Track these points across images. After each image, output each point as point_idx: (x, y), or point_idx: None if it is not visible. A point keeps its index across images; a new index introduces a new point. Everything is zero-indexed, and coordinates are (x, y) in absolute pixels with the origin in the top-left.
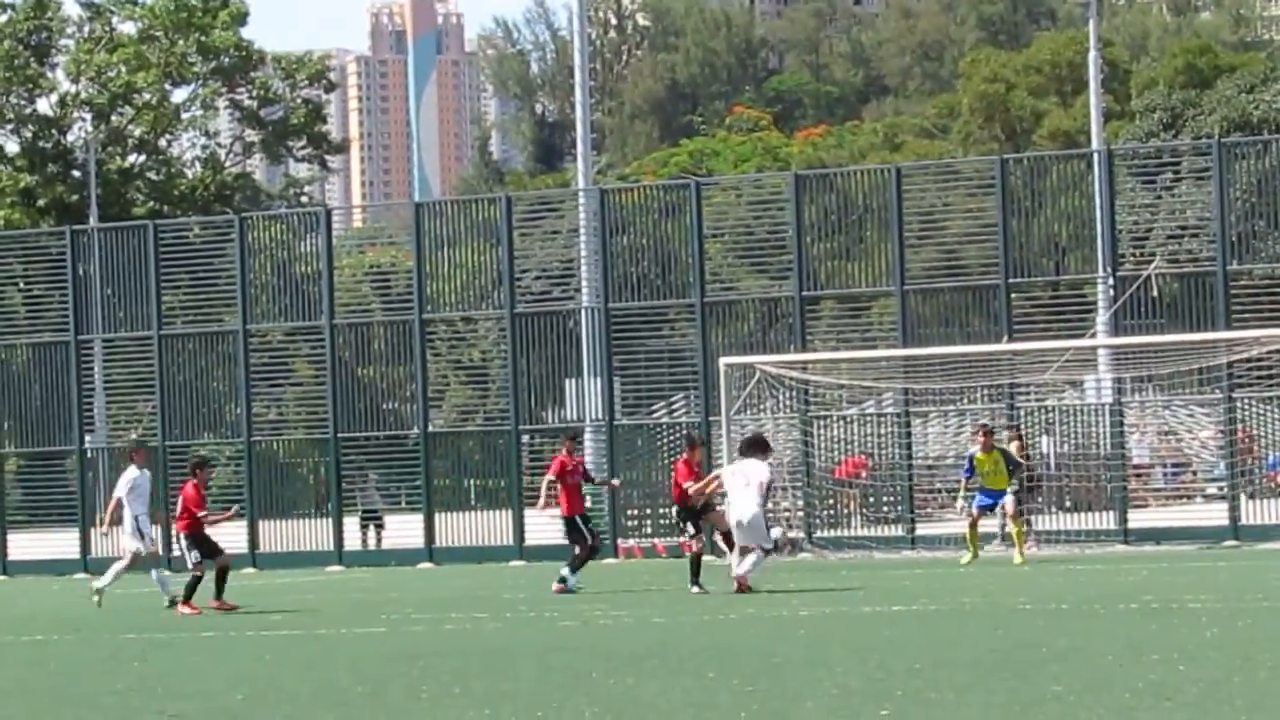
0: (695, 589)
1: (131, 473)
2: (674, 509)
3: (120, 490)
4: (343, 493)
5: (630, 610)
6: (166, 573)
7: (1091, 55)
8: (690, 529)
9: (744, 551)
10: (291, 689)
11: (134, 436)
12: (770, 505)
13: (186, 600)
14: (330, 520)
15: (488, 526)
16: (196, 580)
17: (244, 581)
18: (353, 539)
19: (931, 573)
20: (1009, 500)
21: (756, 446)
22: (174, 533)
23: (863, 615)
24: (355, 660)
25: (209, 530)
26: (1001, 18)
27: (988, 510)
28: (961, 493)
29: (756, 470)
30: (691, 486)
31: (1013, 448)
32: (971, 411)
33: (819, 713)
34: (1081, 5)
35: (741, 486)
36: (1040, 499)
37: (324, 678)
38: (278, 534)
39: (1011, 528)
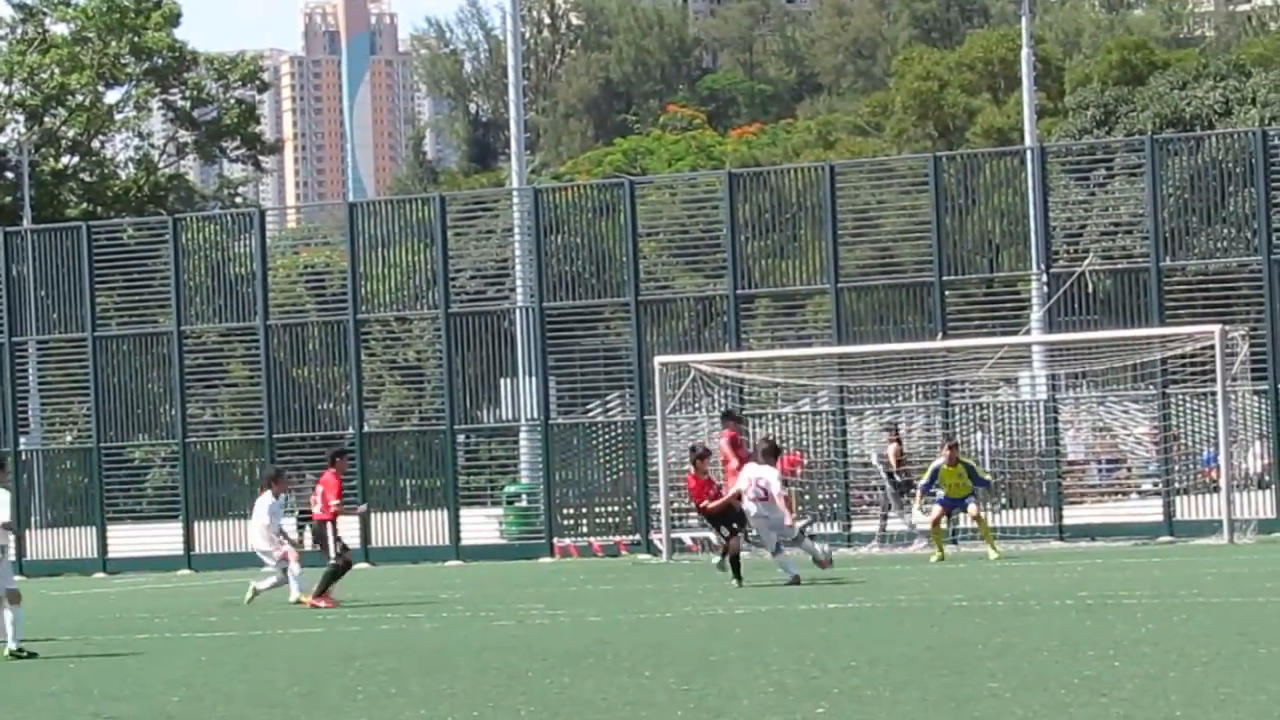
0: (736, 583)
1: (266, 499)
2: (698, 516)
3: (266, 518)
4: None
5: (566, 609)
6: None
7: (1024, 52)
8: (724, 529)
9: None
10: (228, 690)
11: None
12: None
13: (322, 594)
14: None
15: (424, 526)
16: (335, 571)
17: (179, 583)
18: None
19: (867, 570)
20: (971, 504)
21: (771, 454)
22: (310, 524)
23: (799, 613)
24: (292, 661)
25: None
26: (934, 15)
27: (950, 509)
28: (917, 505)
29: (770, 476)
30: (710, 505)
31: (890, 451)
32: (907, 409)
33: (755, 710)
34: (1014, 2)
35: (759, 495)
36: (910, 502)
37: (260, 678)
38: (213, 535)
39: (979, 527)
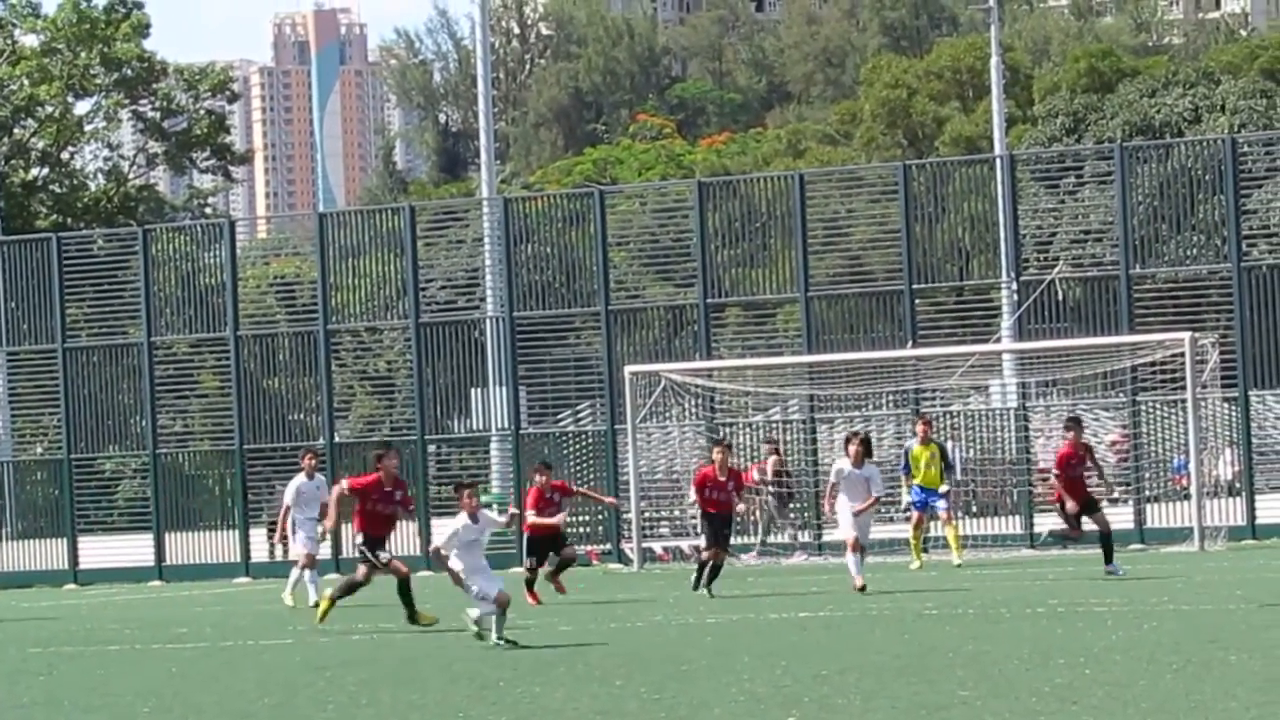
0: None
1: (299, 480)
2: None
3: (287, 498)
4: (249, 504)
5: (537, 619)
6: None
7: (993, 60)
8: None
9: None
10: (198, 701)
11: (40, 450)
12: (678, 513)
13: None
14: (237, 532)
15: (395, 537)
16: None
17: (150, 594)
18: (260, 550)
19: (838, 578)
20: (942, 507)
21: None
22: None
23: (770, 622)
24: (262, 672)
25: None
26: (903, 24)
27: (924, 510)
28: (904, 491)
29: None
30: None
31: (770, 463)
32: (877, 417)
33: (726, 719)
34: (983, 11)
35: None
36: (793, 512)
37: (231, 689)
38: (184, 546)
39: (947, 531)
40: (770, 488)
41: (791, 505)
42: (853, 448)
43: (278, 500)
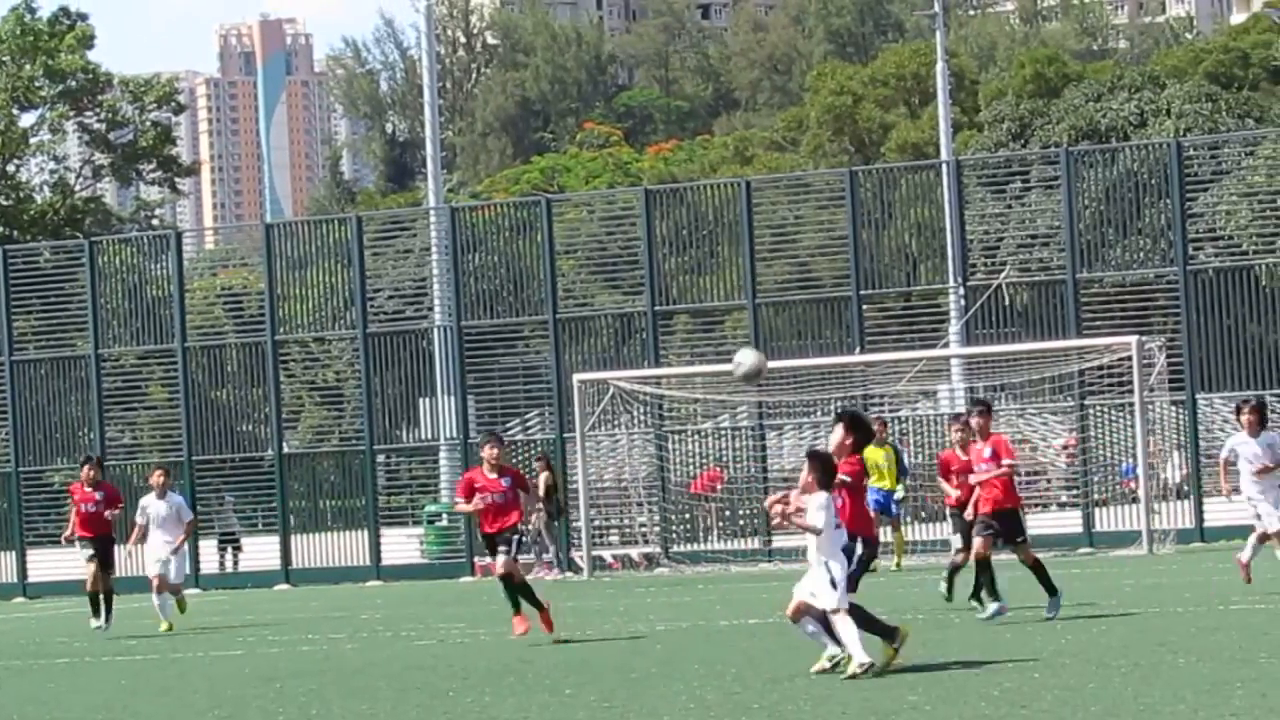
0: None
1: (149, 499)
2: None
3: (139, 517)
4: (198, 516)
5: (488, 628)
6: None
7: (939, 66)
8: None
9: None
10: (148, 713)
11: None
12: (627, 520)
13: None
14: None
15: (344, 547)
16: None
17: None
18: (209, 562)
19: (787, 585)
20: (893, 511)
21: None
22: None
23: (719, 629)
24: (212, 683)
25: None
26: (849, 30)
27: (882, 511)
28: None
29: None
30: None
31: (542, 480)
32: (826, 424)
33: None
34: (929, 17)
35: None
36: (574, 521)
37: (181, 701)
38: (133, 558)
39: (894, 537)
40: (538, 504)
41: (556, 524)
42: (1245, 416)
43: (226, 511)
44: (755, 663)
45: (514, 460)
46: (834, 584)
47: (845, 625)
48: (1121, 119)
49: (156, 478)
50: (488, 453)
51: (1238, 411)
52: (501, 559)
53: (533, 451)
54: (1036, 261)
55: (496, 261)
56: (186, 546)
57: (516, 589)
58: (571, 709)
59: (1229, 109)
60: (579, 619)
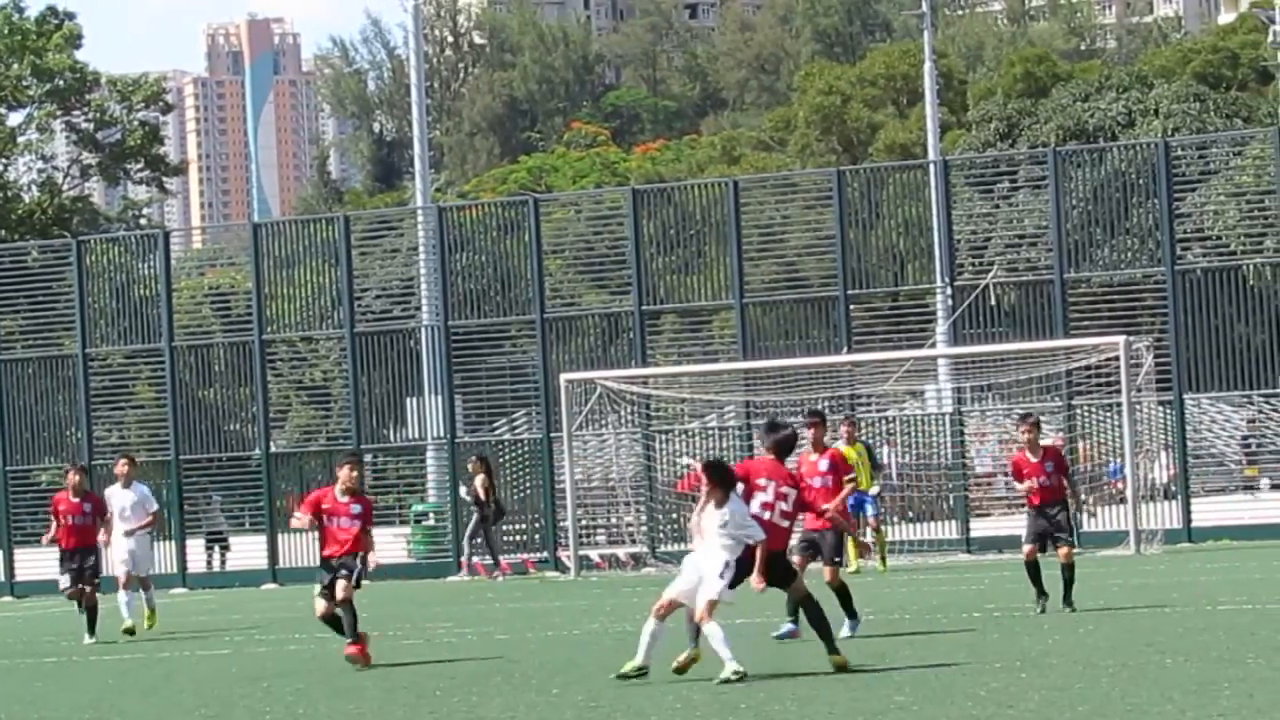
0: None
1: (114, 489)
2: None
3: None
4: (185, 514)
5: (474, 627)
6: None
7: (927, 66)
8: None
9: None
10: (135, 712)
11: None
12: (614, 520)
13: None
14: (173, 542)
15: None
16: None
17: None
18: (197, 561)
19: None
20: (871, 510)
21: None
22: None
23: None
24: (199, 682)
25: None
26: (837, 30)
27: (857, 512)
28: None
29: None
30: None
31: (478, 482)
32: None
33: None
34: (917, 16)
35: None
36: (561, 521)
37: (168, 700)
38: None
39: (873, 536)
40: (474, 509)
41: (498, 526)
42: None
43: (213, 510)
44: (741, 663)
45: (501, 460)
46: (722, 574)
47: (714, 632)
48: (1109, 119)
49: (121, 466)
50: (344, 474)
51: None
52: (341, 584)
53: (520, 451)
54: (1024, 261)
55: (484, 261)
56: (151, 537)
57: (335, 620)
58: (558, 709)
59: (1217, 109)
60: (566, 618)
